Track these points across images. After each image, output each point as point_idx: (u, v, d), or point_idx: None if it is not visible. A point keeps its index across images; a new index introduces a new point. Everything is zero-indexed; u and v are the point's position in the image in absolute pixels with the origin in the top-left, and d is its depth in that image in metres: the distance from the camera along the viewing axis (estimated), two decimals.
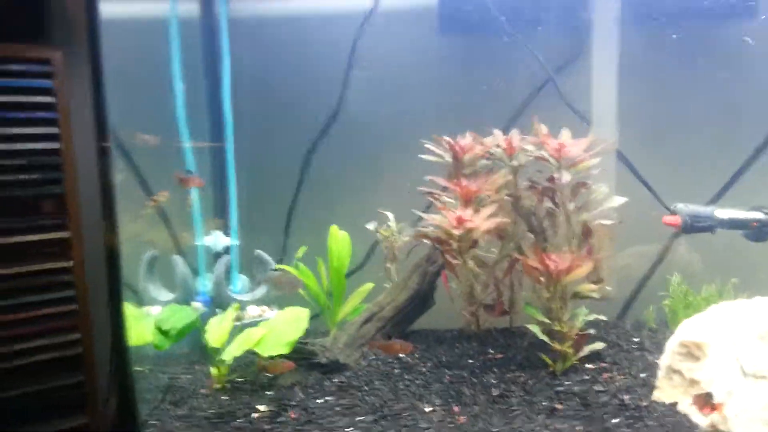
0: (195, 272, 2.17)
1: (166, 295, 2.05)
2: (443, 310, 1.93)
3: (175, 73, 2.03)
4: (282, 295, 2.03)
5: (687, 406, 1.41)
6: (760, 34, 1.82)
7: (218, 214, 2.27)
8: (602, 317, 1.70)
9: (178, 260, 2.02)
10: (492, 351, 1.76)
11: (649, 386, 1.51)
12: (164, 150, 2.15)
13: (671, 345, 1.48)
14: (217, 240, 2.14)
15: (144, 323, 1.64)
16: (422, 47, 2.12)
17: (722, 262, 1.89)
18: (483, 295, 1.79)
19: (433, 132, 1.86)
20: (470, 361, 1.73)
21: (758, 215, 1.73)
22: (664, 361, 1.48)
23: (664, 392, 1.46)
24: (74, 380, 1.10)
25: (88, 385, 1.11)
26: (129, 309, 1.71)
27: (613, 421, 1.41)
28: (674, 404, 1.43)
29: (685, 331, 1.47)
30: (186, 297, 2.01)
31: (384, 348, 1.71)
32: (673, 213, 1.78)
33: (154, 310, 2.01)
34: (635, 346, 1.71)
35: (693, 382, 1.42)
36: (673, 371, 1.46)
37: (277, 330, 1.60)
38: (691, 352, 1.44)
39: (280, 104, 2.25)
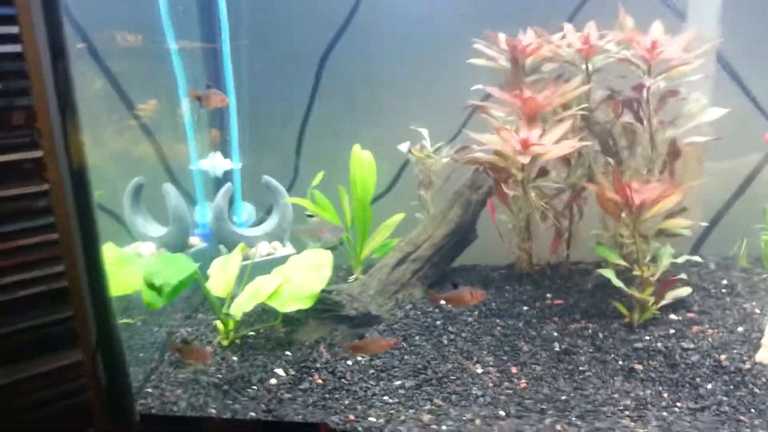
0: (192, 200, 1.91)
1: (157, 230, 1.78)
2: (486, 244, 1.68)
3: None
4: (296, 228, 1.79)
5: None
6: None
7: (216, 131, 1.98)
8: (696, 258, 1.45)
9: (170, 189, 1.73)
10: (550, 295, 1.52)
11: (750, 343, 1.28)
12: (148, 53, 1.83)
13: None
14: (215, 163, 1.85)
15: (130, 268, 1.39)
16: None
17: None
18: (541, 229, 1.54)
19: (476, 29, 1.52)
20: (525, 308, 1.49)
21: None
22: None
23: None
24: (63, 315, 0.96)
25: (78, 319, 0.97)
26: (111, 250, 1.47)
27: (708, 386, 1.21)
28: None
29: None
30: (181, 232, 1.74)
31: (451, 300, 1.34)
32: None
33: (145, 248, 1.76)
34: (725, 291, 1.47)
35: None
36: None
37: (296, 279, 1.35)
38: None
39: None
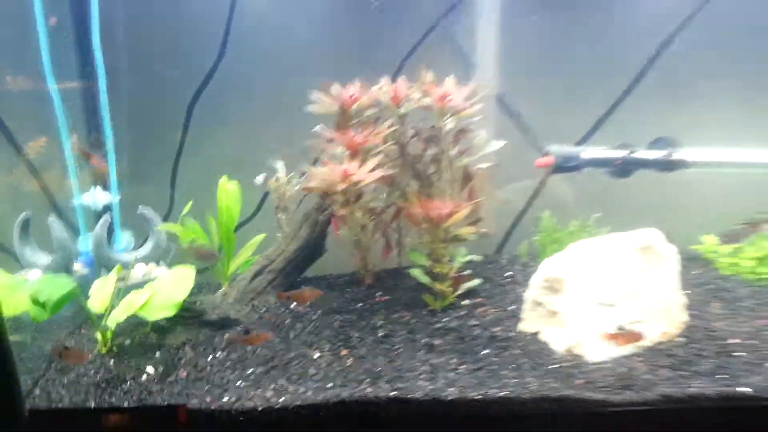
0: (76, 231, 2.15)
1: (44, 259, 2.03)
2: (335, 257, 2.05)
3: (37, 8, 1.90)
4: (169, 251, 2.07)
5: (547, 335, 1.65)
6: None
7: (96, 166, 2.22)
8: (477, 257, 1.90)
9: (54, 223, 1.98)
10: (380, 294, 1.93)
11: (516, 318, 1.73)
12: (31, 93, 2.06)
13: (535, 280, 1.69)
14: (95, 197, 2.11)
15: (19, 292, 1.63)
16: None
17: (593, 198, 2.11)
18: (371, 241, 1.92)
19: (323, 79, 1.90)
20: (359, 305, 1.89)
21: (621, 154, 1.95)
22: (529, 294, 1.70)
23: (529, 323, 1.69)
24: None
25: None
26: (2, 277, 1.70)
27: (484, 351, 1.63)
28: (537, 333, 1.67)
29: (547, 267, 1.68)
30: (65, 260, 2.00)
31: (294, 297, 1.80)
32: (546, 154, 1.96)
33: (33, 275, 1.99)
34: (508, 280, 1.93)
35: (553, 313, 1.65)
36: (536, 304, 1.68)
37: (163, 291, 1.66)
38: (552, 287, 1.66)
39: (165, 41, 2.18)
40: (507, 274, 1.96)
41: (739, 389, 1.42)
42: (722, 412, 1.42)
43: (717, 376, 1.47)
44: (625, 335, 1.58)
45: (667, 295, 1.64)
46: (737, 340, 1.59)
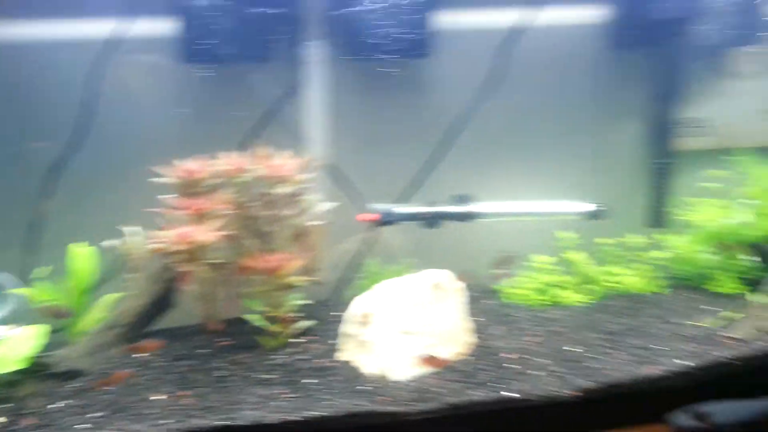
0: None
1: None
2: (183, 310, 2.27)
3: None
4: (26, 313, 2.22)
5: (360, 362, 1.96)
6: (433, 68, 2.48)
7: None
8: (310, 301, 2.21)
9: None
10: (223, 339, 2.18)
11: (335, 350, 2.06)
12: None
13: (348, 316, 2.03)
14: None
15: None
16: (166, 76, 2.44)
17: (418, 245, 2.51)
18: (216, 293, 2.19)
19: (177, 155, 2.18)
20: (203, 350, 2.13)
21: (428, 209, 2.38)
22: (344, 328, 2.03)
23: (346, 353, 2.01)
24: None
25: None
26: None
27: (306, 380, 1.92)
28: (350, 361, 1.99)
29: (358, 304, 2.03)
30: None
31: (138, 348, 2.03)
32: (371, 211, 2.35)
33: None
34: (335, 320, 2.21)
35: (363, 343, 1.98)
36: (349, 336, 2.02)
37: (13, 347, 1.83)
38: (361, 320, 2.00)
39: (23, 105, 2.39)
40: (334, 313, 2.27)
41: (507, 394, 1.80)
42: (495, 413, 1.79)
43: (493, 385, 1.85)
44: (435, 359, 1.93)
45: (456, 322, 2.03)
46: (510, 355, 1.99)
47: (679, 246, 2.46)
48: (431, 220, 2.38)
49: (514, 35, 2.44)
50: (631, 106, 2.58)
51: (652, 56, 2.51)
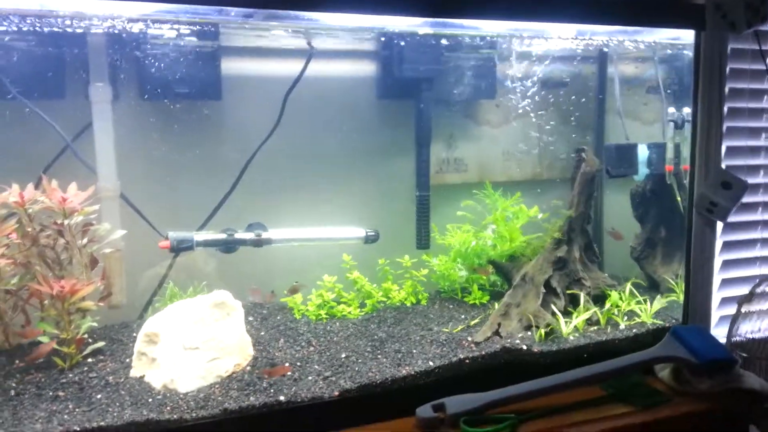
0: None
1: None
2: None
3: None
4: None
5: (150, 377, 2.28)
6: (222, 111, 2.88)
7: None
8: (95, 323, 2.50)
9: None
10: (18, 361, 2.38)
11: (129, 367, 2.36)
12: None
13: (140, 335, 2.35)
14: None
15: None
16: None
17: (225, 268, 2.88)
18: (9, 317, 2.38)
19: None
20: None
21: (223, 236, 2.75)
22: (136, 347, 2.35)
23: (137, 369, 2.33)
24: None
25: None
26: None
27: (98, 396, 2.20)
28: (142, 377, 2.30)
29: (148, 324, 2.37)
30: None
31: None
32: (167, 238, 2.66)
33: None
34: (132, 340, 2.53)
35: (153, 360, 2.31)
36: (141, 354, 2.34)
37: None
38: (151, 339, 2.34)
39: None
40: (132, 335, 2.57)
41: (279, 398, 2.21)
42: (264, 415, 2.19)
43: (269, 391, 2.25)
44: (275, 369, 2.32)
45: (237, 337, 2.42)
46: (287, 364, 2.41)
47: (439, 265, 3.08)
48: (228, 246, 2.75)
49: (296, 83, 2.93)
50: (400, 147, 3.20)
51: (414, 106, 3.14)
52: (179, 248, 2.67)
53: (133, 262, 2.75)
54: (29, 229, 2.41)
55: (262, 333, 2.67)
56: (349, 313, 2.89)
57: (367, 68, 3.19)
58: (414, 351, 2.55)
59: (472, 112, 3.36)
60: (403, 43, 2.96)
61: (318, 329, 2.77)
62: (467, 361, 2.50)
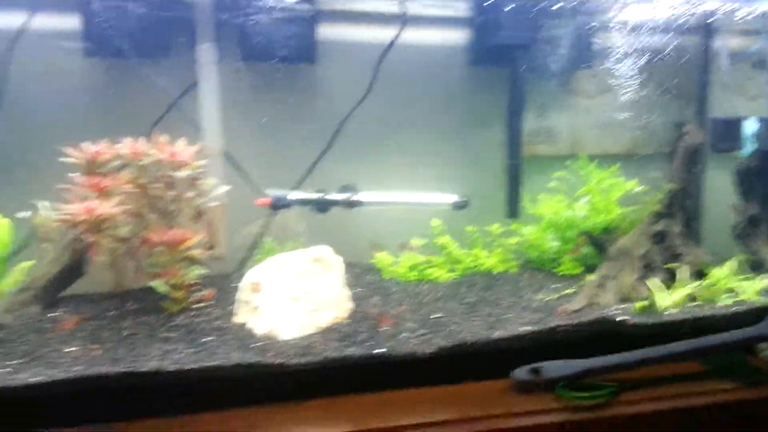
0: None
1: None
2: (95, 277, 2.66)
3: None
4: None
5: (252, 324, 2.41)
6: (321, 76, 2.98)
7: None
8: (210, 271, 2.64)
9: None
10: (130, 304, 2.58)
11: (231, 315, 2.50)
12: None
13: (242, 284, 2.49)
14: None
15: None
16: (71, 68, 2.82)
17: (314, 227, 2.98)
18: (122, 263, 2.56)
19: (88, 137, 2.55)
20: (111, 313, 2.54)
21: (317, 196, 2.88)
22: (238, 295, 2.49)
23: (240, 317, 2.46)
24: None
25: None
26: None
27: (205, 339, 2.35)
28: (245, 324, 2.43)
29: (251, 274, 2.50)
30: None
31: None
32: (266, 196, 2.80)
33: None
34: (233, 290, 2.65)
35: (256, 308, 2.43)
36: (244, 301, 2.47)
37: None
38: (254, 288, 2.46)
39: None
40: (233, 285, 2.71)
41: (377, 351, 2.30)
42: (362, 366, 2.28)
43: (367, 344, 2.34)
44: (381, 319, 2.43)
45: (336, 291, 2.53)
46: (384, 320, 2.50)
47: (530, 234, 3.09)
48: (320, 206, 2.86)
49: (389, 48, 3.01)
50: (491, 115, 3.24)
51: (507, 75, 3.17)
52: (279, 205, 2.81)
53: (232, 217, 2.91)
54: (141, 181, 2.60)
55: (358, 290, 2.78)
56: (439, 276, 2.97)
57: (459, 35, 3.23)
58: (507, 316, 2.59)
59: (569, 82, 3.36)
60: (498, 10, 2.98)
61: (408, 289, 2.86)
62: (561, 328, 2.53)
